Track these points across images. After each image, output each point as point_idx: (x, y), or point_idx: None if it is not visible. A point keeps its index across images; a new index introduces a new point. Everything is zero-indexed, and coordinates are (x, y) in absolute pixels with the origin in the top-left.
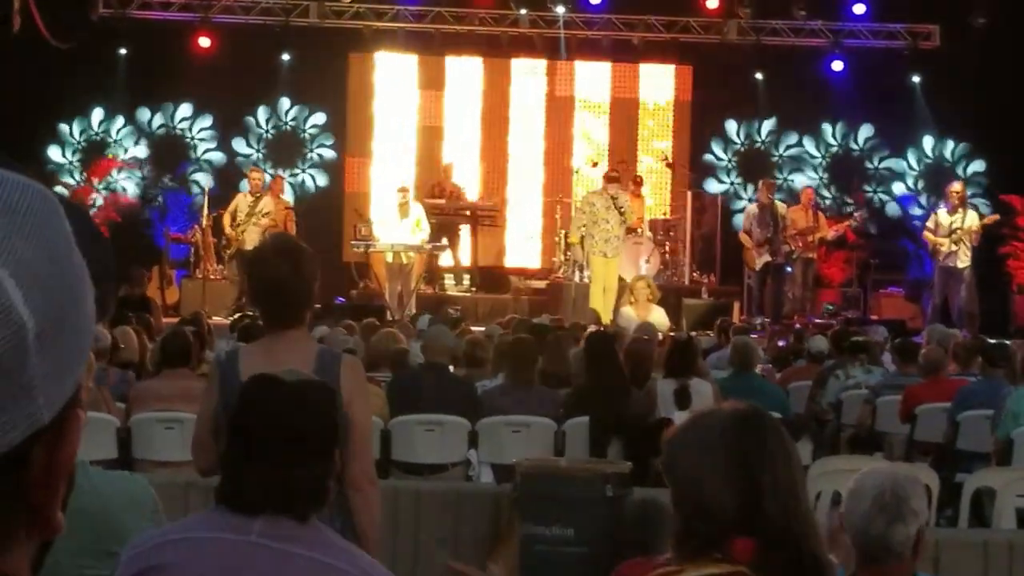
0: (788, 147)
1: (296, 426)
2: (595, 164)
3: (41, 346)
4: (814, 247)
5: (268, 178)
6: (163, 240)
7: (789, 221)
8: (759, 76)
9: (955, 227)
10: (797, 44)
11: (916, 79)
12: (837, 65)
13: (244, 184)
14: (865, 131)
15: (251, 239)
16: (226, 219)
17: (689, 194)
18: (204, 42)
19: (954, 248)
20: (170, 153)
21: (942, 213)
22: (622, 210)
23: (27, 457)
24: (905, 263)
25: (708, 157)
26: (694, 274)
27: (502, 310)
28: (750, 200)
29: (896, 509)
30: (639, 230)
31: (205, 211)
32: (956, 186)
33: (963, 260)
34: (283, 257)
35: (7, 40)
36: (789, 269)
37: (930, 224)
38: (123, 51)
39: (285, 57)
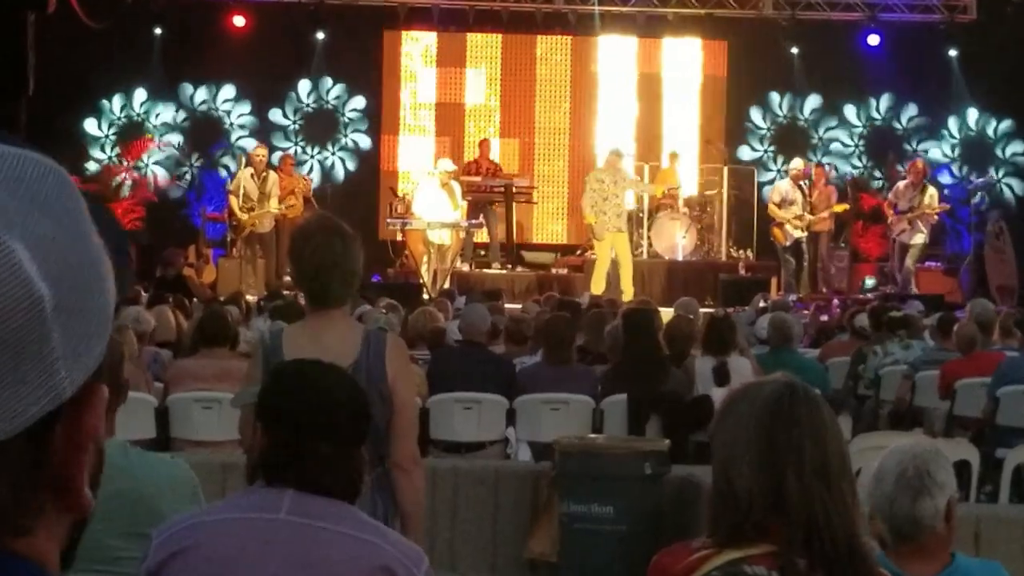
0: (823, 121)
1: (322, 405)
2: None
3: (60, 320)
4: (825, 221)
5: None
6: (199, 220)
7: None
8: (795, 50)
9: (913, 204)
10: (833, 18)
11: (953, 53)
12: (873, 39)
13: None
14: (901, 105)
15: (267, 221)
16: (233, 201)
17: (725, 170)
18: (238, 21)
19: (908, 227)
20: (206, 132)
21: (903, 187)
22: (628, 184)
23: (50, 431)
24: (942, 238)
25: (744, 128)
26: (730, 250)
27: (538, 287)
28: (779, 172)
29: (919, 483)
30: (675, 206)
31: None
32: (919, 163)
33: (918, 237)
34: (332, 237)
35: (43, 21)
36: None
37: (891, 197)
38: (158, 31)
39: (320, 35)
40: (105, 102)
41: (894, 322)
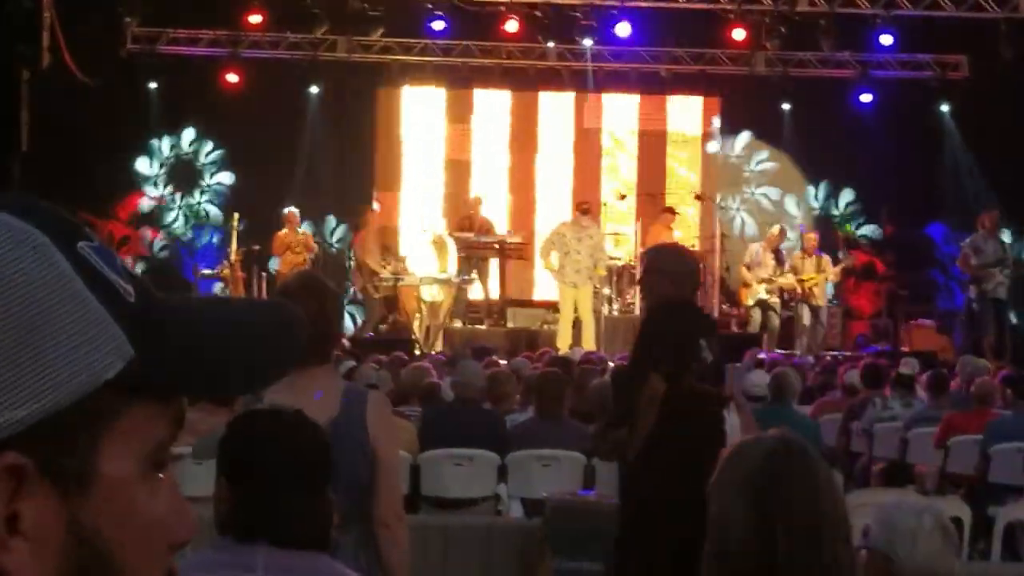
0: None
1: (281, 450)
2: (622, 197)
3: None
4: (814, 294)
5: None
6: (192, 276)
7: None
8: (786, 107)
9: (1000, 256)
10: (825, 75)
11: (945, 109)
12: (865, 96)
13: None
14: (894, 161)
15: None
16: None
17: (718, 227)
18: (232, 77)
19: (1002, 281)
20: (197, 187)
21: (979, 238)
22: (592, 241)
23: None
24: (935, 294)
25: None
26: (723, 307)
27: (531, 344)
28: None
29: (954, 543)
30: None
31: (234, 245)
32: (996, 214)
33: (1003, 292)
34: (309, 296)
35: (36, 78)
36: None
37: (968, 249)
38: (152, 86)
39: (313, 91)
40: (102, 164)
41: (902, 379)
